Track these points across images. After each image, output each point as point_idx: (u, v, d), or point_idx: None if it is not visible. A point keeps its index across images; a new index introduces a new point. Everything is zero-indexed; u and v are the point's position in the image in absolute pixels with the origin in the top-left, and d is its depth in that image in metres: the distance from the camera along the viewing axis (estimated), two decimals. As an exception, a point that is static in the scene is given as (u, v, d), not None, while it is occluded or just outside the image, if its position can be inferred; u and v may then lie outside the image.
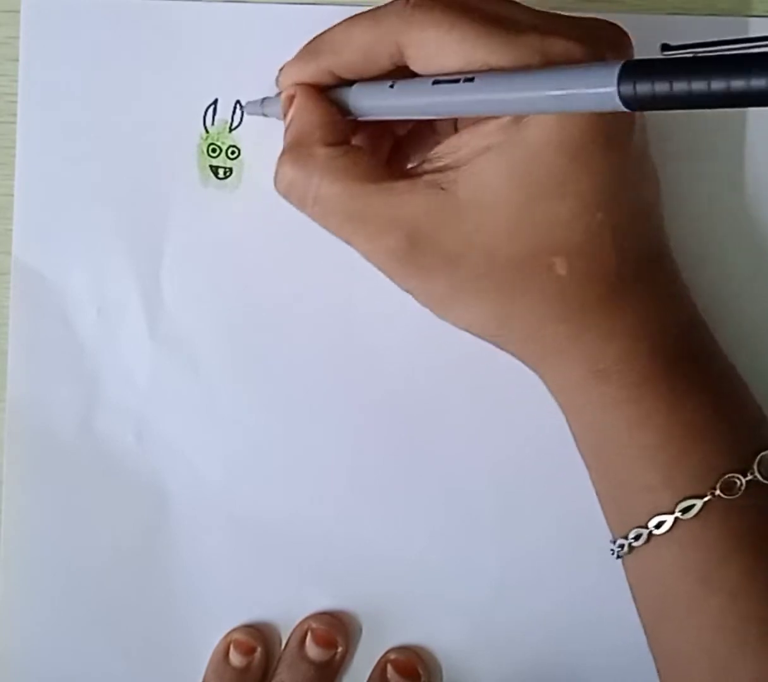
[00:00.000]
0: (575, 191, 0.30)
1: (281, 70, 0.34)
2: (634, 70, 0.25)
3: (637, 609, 0.33)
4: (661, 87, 0.24)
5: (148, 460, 0.38)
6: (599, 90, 0.25)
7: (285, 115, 0.33)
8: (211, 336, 0.38)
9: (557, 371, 0.33)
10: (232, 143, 0.37)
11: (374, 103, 0.32)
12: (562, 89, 0.27)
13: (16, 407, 0.38)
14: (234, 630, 0.38)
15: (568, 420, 0.33)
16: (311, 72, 0.33)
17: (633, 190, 0.31)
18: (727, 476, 0.30)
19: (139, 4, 0.37)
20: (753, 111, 0.36)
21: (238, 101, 0.37)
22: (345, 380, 0.38)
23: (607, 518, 0.33)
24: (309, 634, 0.37)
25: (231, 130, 0.37)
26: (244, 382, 0.38)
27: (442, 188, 0.30)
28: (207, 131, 0.37)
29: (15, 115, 0.38)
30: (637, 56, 0.36)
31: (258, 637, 0.37)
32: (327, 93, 0.33)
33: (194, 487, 0.38)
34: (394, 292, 0.32)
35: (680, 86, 0.24)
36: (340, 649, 0.37)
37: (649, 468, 0.31)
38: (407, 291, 0.32)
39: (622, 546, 0.32)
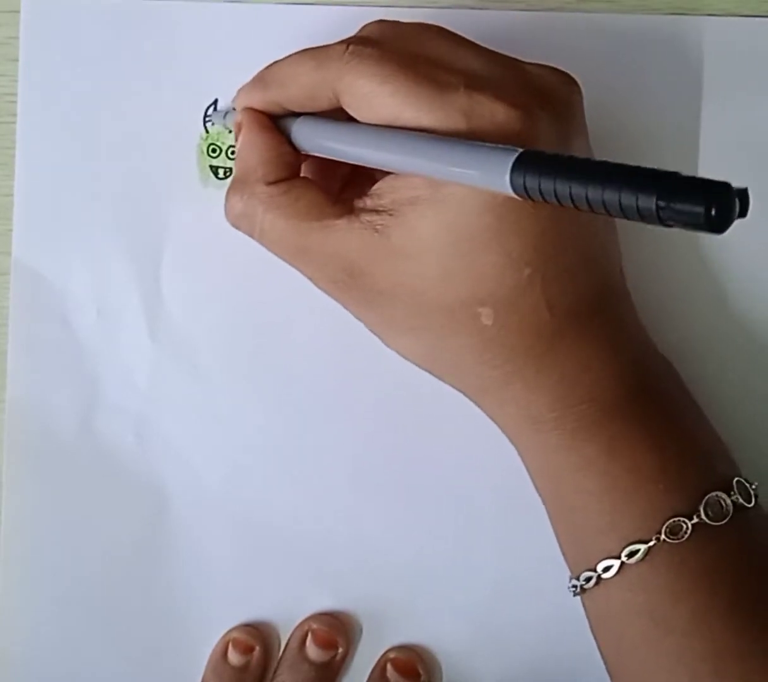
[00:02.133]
0: (501, 249, 0.30)
1: (237, 92, 0.34)
2: (527, 162, 0.25)
3: (598, 647, 0.33)
4: (546, 184, 0.25)
5: (148, 460, 0.38)
6: (493, 176, 0.26)
7: (236, 141, 0.34)
8: (211, 336, 0.38)
9: (496, 412, 0.33)
10: (232, 143, 0.37)
11: (309, 142, 0.33)
12: (461, 167, 0.27)
13: (16, 407, 0.38)
14: (233, 629, 0.38)
15: (521, 459, 0.34)
16: (260, 101, 0.33)
17: (572, 243, 0.31)
18: (672, 520, 0.30)
19: (139, 4, 0.37)
20: (706, 144, 0.37)
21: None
22: (345, 379, 0.38)
23: (564, 557, 0.33)
24: (309, 635, 0.37)
25: (231, 130, 0.37)
26: (244, 382, 0.38)
27: (376, 231, 0.31)
28: (207, 131, 0.37)
29: (15, 115, 0.38)
30: (644, 57, 0.36)
31: (257, 636, 0.38)
32: (278, 121, 0.33)
33: (194, 487, 0.38)
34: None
35: (561, 188, 0.24)
36: (340, 650, 0.37)
37: (595, 513, 0.31)
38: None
39: (575, 587, 0.32)
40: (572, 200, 0.24)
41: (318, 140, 0.32)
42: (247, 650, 0.37)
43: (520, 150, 0.26)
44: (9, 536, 0.38)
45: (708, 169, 0.37)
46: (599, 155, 0.34)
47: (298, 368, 0.38)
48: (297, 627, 0.38)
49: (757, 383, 0.37)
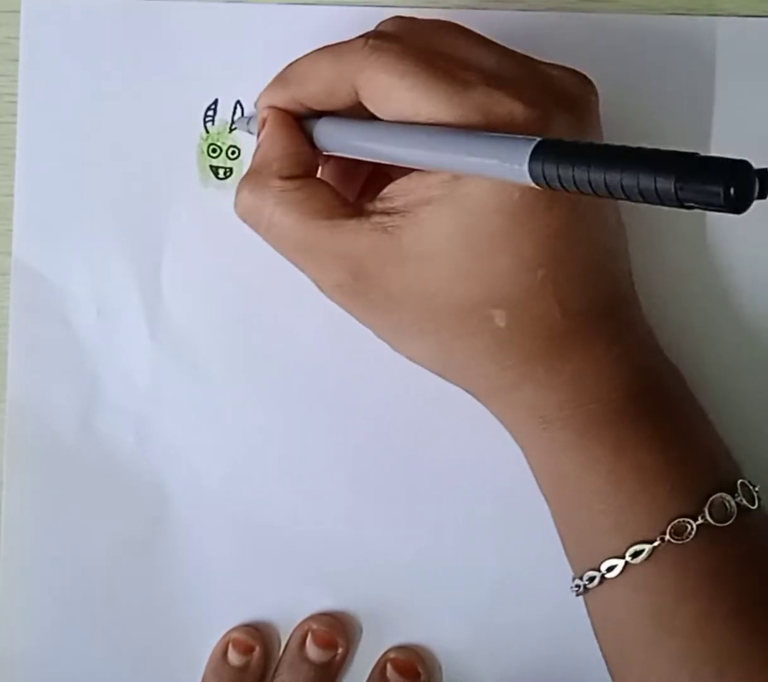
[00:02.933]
0: (515, 250, 0.30)
1: (260, 93, 0.34)
2: (546, 150, 0.25)
3: (600, 647, 0.33)
4: (564, 171, 0.25)
5: (148, 460, 0.38)
6: (511, 165, 0.26)
7: (257, 139, 0.34)
8: (211, 336, 0.38)
9: (504, 412, 0.33)
10: (232, 143, 0.37)
11: (331, 140, 0.33)
12: (479, 157, 0.27)
13: (16, 407, 0.38)
14: (233, 629, 0.38)
15: (526, 459, 0.33)
16: (281, 100, 0.33)
17: (584, 246, 0.31)
18: (677, 521, 0.30)
19: (139, 4, 0.37)
20: (706, 144, 0.37)
21: (238, 101, 0.37)
22: (345, 380, 0.38)
23: (567, 556, 0.33)
24: (309, 635, 0.37)
25: (231, 130, 0.37)
26: (244, 382, 0.38)
27: (387, 232, 0.30)
28: (207, 131, 0.37)
29: (15, 115, 0.38)
30: (647, 58, 0.36)
31: (257, 636, 0.38)
32: (301, 122, 0.33)
33: (194, 487, 0.38)
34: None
35: (580, 174, 0.24)
36: (340, 650, 0.37)
37: (600, 512, 0.31)
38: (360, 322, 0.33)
39: (578, 586, 0.32)
40: (591, 186, 0.24)
41: (338, 138, 0.32)
42: (247, 650, 0.37)
43: (538, 139, 0.26)
44: (9, 536, 0.38)
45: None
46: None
47: (299, 368, 0.38)
48: (297, 627, 0.38)
49: (758, 383, 0.37)
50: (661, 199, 0.23)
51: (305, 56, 0.32)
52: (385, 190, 0.31)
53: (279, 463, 0.38)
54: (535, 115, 0.29)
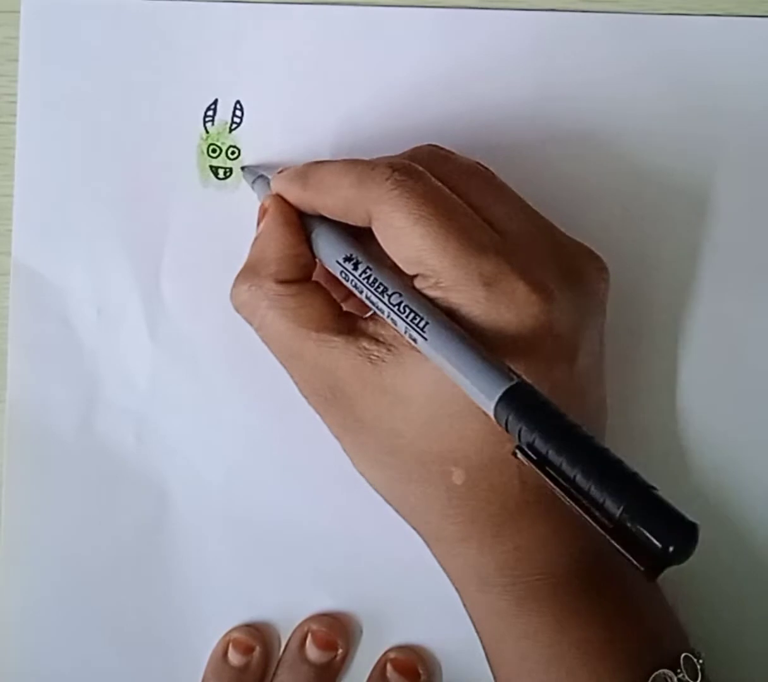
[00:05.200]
0: (489, 421, 0.29)
1: (275, 175, 0.34)
2: (514, 397, 0.26)
3: None
4: (526, 436, 0.25)
5: (148, 460, 0.38)
6: (480, 396, 0.26)
7: (257, 224, 0.34)
8: (211, 336, 0.38)
9: (447, 563, 0.33)
10: (232, 143, 0.37)
11: (326, 257, 0.32)
12: (458, 369, 0.27)
13: (16, 407, 0.38)
14: (233, 629, 0.38)
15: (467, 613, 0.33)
16: (294, 197, 0.33)
17: None
18: None
19: (138, 4, 0.37)
20: (706, 144, 0.36)
21: (238, 101, 0.37)
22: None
23: None
24: (309, 636, 0.37)
25: (231, 130, 0.37)
26: (245, 382, 0.38)
27: (371, 362, 0.30)
28: (207, 132, 0.37)
29: (15, 115, 0.38)
30: (646, 54, 0.36)
31: (257, 636, 0.38)
32: (303, 218, 0.33)
33: (194, 487, 0.38)
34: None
35: (540, 445, 0.24)
36: (340, 650, 0.37)
37: None
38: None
39: None
40: (546, 463, 0.24)
41: (331, 260, 0.32)
42: (247, 650, 0.37)
43: (515, 381, 0.26)
44: (9, 536, 0.38)
45: (705, 167, 0.37)
46: (599, 157, 0.34)
47: (298, 368, 0.38)
48: (297, 628, 0.38)
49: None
50: (605, 515, 0.23)
51: (332, 165, 0.32)
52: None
53: (279, 463, 0.38)
54: (537, 299, 0.29)
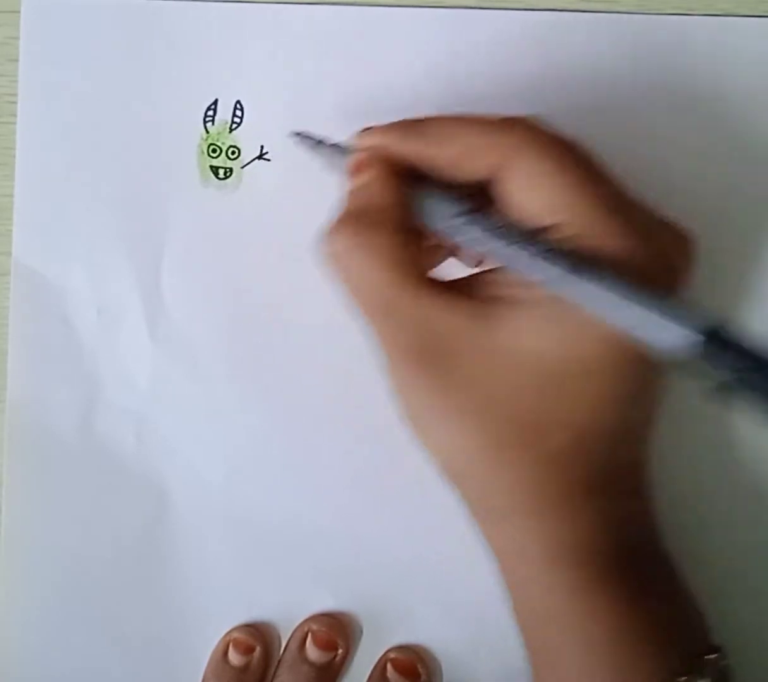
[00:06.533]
0: (609, 390, 0.29)
1: (367, 129, 0.32)
2: (719, 333, 0.25)
3: None
4: (735, 373, 0.25)
5: (148, 460, 0.38)
6: (674, 338, 0.25)
7: (351, 174, 0.31)
8: (211, 336, 0.38)
9: (508, 537, 0.31)
10: (232, 143, 0.37)
11: (436, 213, 0.31)
12: (638, 313, 0.26)
13: (16, 407, 0.38)
14: (233, 629, 0.38)
15: (510, 598, 0.32)
16: (404, 148, 0.31)
17: (655, 412, 0.32)
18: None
19: (139, 4, 0.37)
20: (705, 144, 0.36)
21: (238, 101, 0.37)
22: (345, 379, 0.38)
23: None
24: (309, 636, 0.37)
25: (231, 130, 0.37)
26: (244, 382, 0.38)
27: (484, 319, 0.29)
28: (207, 131, 0.37)
29: (15, 115, 0.38)
30: (635, 56, 0.36)
31: (257, 636, 0.38)
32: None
33: (194, 487, 0.38)
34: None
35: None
36: (340, 650, 0.37)
37: (596, 667, 0.29)
38: (396, 394, 0.31)
39: None
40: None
41: (445, 215, 0.30)
42: (247, 650, 0.37)
43: (715, 319, 0.25)
44: (9, 536, 0.38)
45: (705, 169, 0.37)
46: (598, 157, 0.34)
47: (298, 368, 0.38)
48: (297, 628, 0.38)
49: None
50: None
51: (450, 116, 0.30)
52: (496, 274, 0.30)
53: (279, 462, 0.38)
54: (682, 249, 0.29)
